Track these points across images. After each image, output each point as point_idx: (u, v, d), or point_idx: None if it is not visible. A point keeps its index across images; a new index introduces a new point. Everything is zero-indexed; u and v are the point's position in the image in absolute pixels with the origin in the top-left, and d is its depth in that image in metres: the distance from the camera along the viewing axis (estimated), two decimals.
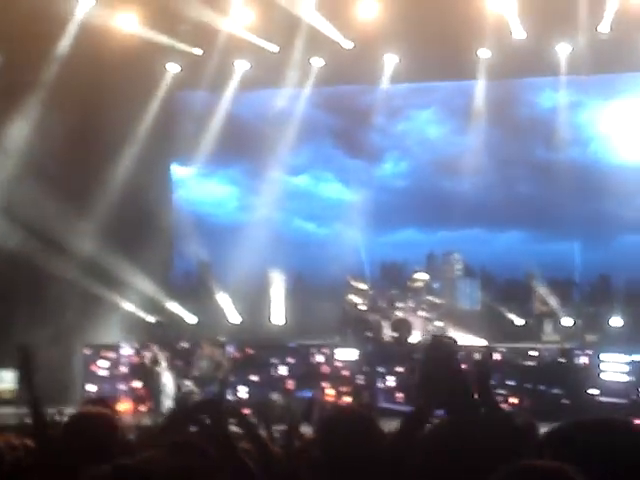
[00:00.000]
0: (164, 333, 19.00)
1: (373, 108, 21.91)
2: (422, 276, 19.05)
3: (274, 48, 18.97)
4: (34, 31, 16.96)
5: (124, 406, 15.02)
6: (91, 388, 17.31)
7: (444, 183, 22.71)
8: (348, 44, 18.72)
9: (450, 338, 3.17)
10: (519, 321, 19.40)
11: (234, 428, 4.18)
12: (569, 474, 2.36)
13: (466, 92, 21.15)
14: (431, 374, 2.98)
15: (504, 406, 15.47)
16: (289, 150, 21.64)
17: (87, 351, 17.82)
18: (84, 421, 4.69)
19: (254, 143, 21.92)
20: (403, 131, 23.99)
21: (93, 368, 17.72)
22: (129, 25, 17.95)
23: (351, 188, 23.58)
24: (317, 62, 19.65)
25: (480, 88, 19.98)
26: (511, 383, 15.92)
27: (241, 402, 16.52)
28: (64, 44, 17.51)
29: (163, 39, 18.43)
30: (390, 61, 19.57)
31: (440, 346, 3.07)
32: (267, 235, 20.52)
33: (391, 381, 16.58)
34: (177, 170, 22.59)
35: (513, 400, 15.72)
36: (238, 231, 21.34)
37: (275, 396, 15.94)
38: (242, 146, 22.17)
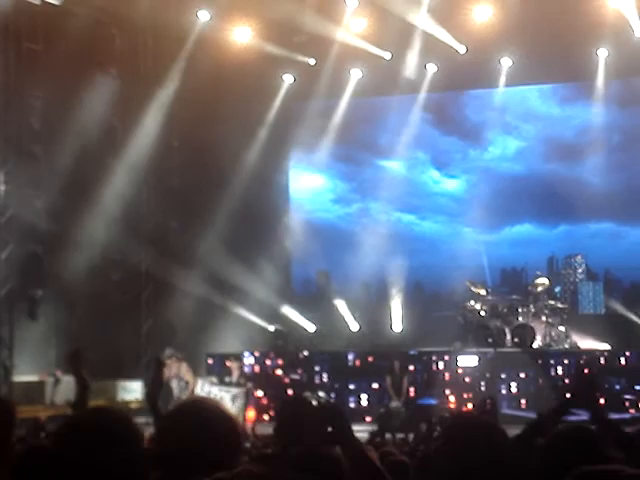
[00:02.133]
0: (284, 342, 19.11)
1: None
2: (543, 280, 18.68)
3: (387, 55, 18.96)
4: (154, 47, 17.39)
5: (250, 414, 15.11)
6: None
7: (561, 168, 20.42)
8: (461, 48, 18.56)
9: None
10: None
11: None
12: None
13: None
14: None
15: (632, 411, 15.20)
16: (375, 128, 20.64)
17: (210, 360, 17.99)
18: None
19: (338, 121, 20.54)
20: (502, 103, 20.56)
21: None
22: (245, 38, 18.24)
23: (450, 174, 21.75)
24: (430, 68, 19.55)
25: (599, 87, 19.29)
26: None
27: (361, 410, 16.54)
28: (183, 58, 17.85)
29: (278, 50, 18.64)
30: (505, 64, 19.29)
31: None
32: (371, 232, 20.00)
33: (514, 387, 16.37)
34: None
35: None
36: (340, 229, 20.71)
37: (395, 404, 15.83)
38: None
